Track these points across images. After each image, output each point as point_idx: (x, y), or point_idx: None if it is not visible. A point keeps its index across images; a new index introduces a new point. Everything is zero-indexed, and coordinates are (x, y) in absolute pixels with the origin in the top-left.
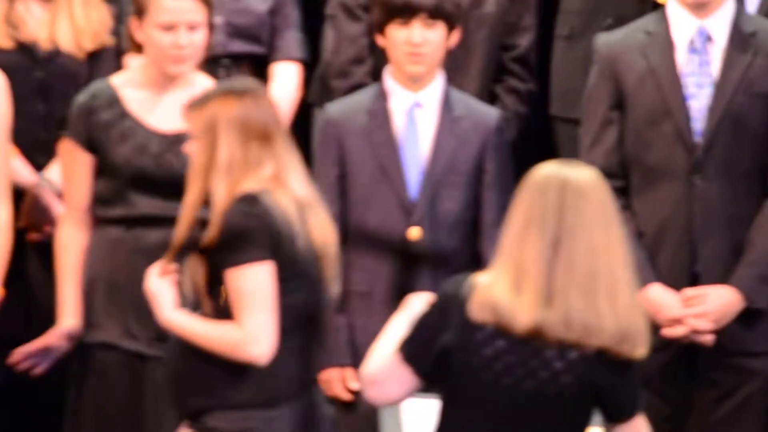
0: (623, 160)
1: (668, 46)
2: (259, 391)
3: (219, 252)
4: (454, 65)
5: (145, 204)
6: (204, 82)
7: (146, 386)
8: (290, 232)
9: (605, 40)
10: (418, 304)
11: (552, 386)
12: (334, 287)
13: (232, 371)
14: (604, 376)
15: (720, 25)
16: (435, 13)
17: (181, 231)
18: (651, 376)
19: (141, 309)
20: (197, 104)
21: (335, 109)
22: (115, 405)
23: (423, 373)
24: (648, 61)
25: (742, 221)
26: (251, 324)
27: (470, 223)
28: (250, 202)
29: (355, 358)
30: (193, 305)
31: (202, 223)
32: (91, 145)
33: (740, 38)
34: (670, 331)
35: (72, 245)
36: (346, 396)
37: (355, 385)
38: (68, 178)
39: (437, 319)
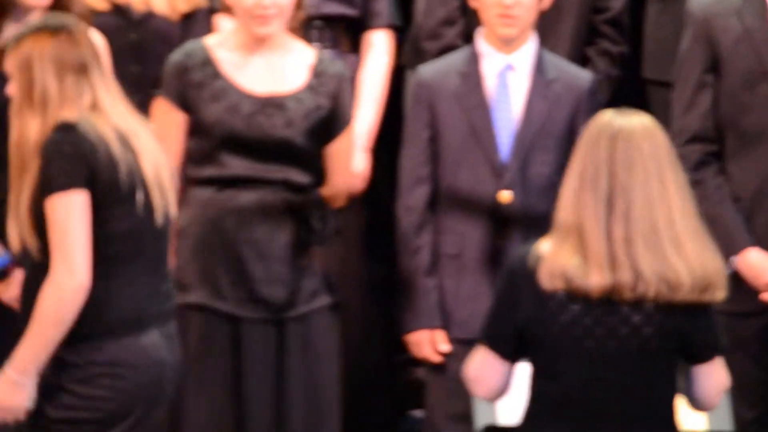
0: (718, 123)
1: (763, 8)
2: (95, 321)
3: (40, 184)
4: (546, 27)
5: (235, 165)
6: (300, 48)
7: (241, 346)
8: (110, 160)
9: (699, 2)
10: None
11: (634, 340)
12: (172, 214)
13: None
14: (684, 321)
15: None
16: None
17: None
18: (747, 341)
19: (231, 269)
20: (12, 44)
21: (427, 71)
22: (213, 366)
23: (509, 356)
24: (744, 24)
25: None
26: (60, 258)
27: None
28: (65, 130)
29: (445, 320)
30: (20, 256)
31: None
32: (184, 103)
33: None
34: None
35: None
36: (435, 358)
37: (444, 348)
38: (161, 136)
39: (509, 298)
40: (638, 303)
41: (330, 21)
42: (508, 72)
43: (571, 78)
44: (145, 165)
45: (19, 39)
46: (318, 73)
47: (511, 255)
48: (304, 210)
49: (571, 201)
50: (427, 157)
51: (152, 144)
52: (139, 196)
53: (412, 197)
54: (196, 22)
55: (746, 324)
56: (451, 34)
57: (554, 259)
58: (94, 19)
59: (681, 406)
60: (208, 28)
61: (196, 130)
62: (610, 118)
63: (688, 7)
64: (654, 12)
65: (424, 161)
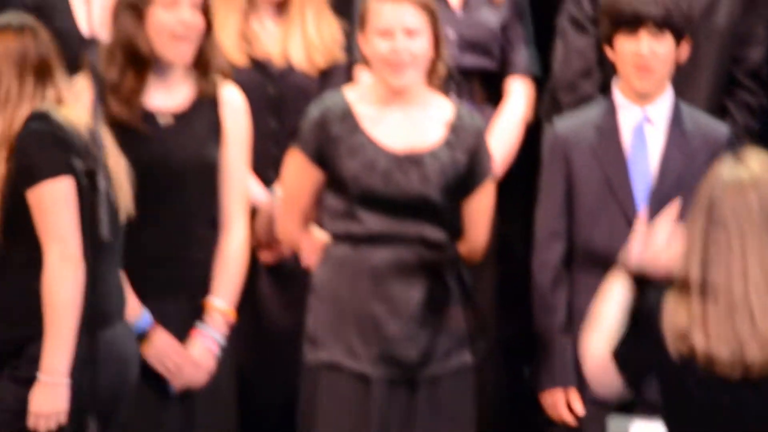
0: None
1: None
2: None
3: (18, 177)
4: (683, 79)
5: (372, 221)
6: (438, 102)
7: (370, 406)
8: (84, 148)
9: None
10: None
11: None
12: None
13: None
14: None
15: None
16: (663, 23)
17: None
18: None
19: (364, 328)
20: None
21: (563, 124)
22: (342, 425)
23: (633, 384)
24: None
25: None
26: (55, 246)
27: None
28: (40, 118)
29: (581, 380)
30: None
31: None
32: (320, 159)
33: None
34: None
35: None
36: (569, 419)
37: (579, 408)
38: (293, 188)
39: (644, 333)
40: None
41: (467, 74)
42: (645, 125)
43: (708, 131)
44: (111, 162)
45: None
46: (456, 128)
47: (650, 290)
48: (439, 267)
49: (692, 257)
50: (563, 211)
51: (111, 144)
52: (107, 190)
53: (547, 253)
54: (334, 77)
55: None
56: (588, 85)
57: (673, 318)
58: (234, 74)
59: None
60: (346, 83)
61: (334, 184)
62: (723, 171)
63: None
64: None
65: (560, 215)
